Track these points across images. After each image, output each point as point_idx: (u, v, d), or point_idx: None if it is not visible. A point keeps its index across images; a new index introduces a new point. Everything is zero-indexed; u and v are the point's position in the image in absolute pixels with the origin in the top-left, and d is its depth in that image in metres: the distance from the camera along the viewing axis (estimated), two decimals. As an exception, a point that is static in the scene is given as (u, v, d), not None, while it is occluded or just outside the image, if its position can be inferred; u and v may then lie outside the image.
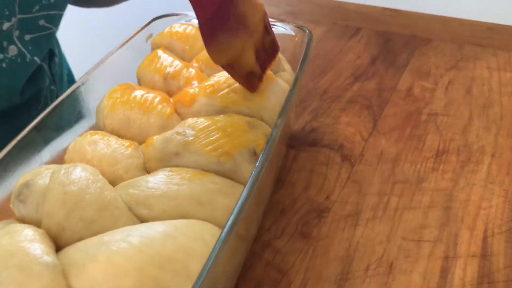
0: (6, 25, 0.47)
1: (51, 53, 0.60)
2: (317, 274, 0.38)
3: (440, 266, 0.38)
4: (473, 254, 0.39)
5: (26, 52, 0.49)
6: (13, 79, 0.50)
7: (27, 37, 0.50)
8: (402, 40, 0.64)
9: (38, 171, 0.33)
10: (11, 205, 0.32)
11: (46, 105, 0.58)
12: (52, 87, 0.60)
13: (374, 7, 0.71)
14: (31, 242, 0.28)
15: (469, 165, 0.46)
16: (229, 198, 0.33)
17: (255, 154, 0.36)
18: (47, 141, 0.39)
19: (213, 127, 0.36)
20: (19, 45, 0.49)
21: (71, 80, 0.68)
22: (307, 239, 0.40)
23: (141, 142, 0.38)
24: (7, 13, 0.47)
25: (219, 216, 0.32)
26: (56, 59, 0.62)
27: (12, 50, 0.48)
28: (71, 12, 0.57)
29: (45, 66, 0.57)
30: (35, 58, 0.51)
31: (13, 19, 0.48)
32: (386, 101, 0.54)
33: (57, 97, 0.50)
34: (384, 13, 0.70)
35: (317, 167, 0.47)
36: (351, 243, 0.40)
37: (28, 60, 0.50)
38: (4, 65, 0.48)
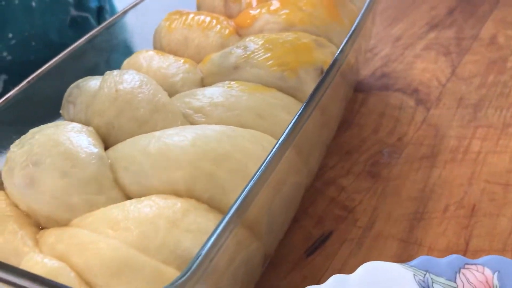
0: None
1: (101, 8, 0.57)
2: (387, 213, 0.34)
3: (533, 212, 0.33)
4: None
5: None
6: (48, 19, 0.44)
7: None
8: (483, -7, 0.58)
9: (89, 77, 0.31)
10: (61, 111, 0.31)
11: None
12: None
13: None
14: (79, 133, 0.26)
15: None
16: (291, 115, 0.30)
17: (322, 73, 0.32)
18: (102, 61, 0.37)
19: (277, 41, 0.33)
20: None
21: None
22: (376, 179, 0.36)
23: (198, 62, 0.35)
24: None
25: (280, 131, 0.29)
26: (107, 17, 0.59)
27: None
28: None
29: (92, 21, 0.54)
30: None
31: None
32: (467, 49, 0.49)
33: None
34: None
35: (388, 110, 0.43)
36: (427, 184, 0.35)
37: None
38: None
